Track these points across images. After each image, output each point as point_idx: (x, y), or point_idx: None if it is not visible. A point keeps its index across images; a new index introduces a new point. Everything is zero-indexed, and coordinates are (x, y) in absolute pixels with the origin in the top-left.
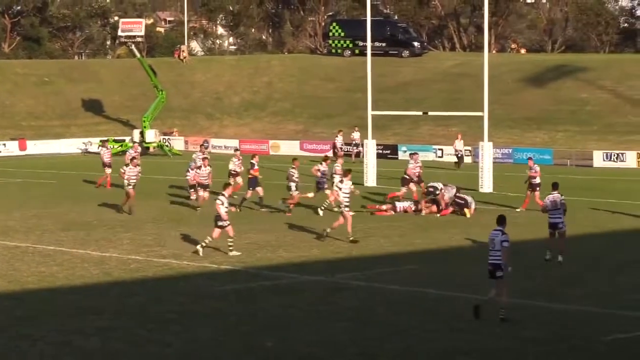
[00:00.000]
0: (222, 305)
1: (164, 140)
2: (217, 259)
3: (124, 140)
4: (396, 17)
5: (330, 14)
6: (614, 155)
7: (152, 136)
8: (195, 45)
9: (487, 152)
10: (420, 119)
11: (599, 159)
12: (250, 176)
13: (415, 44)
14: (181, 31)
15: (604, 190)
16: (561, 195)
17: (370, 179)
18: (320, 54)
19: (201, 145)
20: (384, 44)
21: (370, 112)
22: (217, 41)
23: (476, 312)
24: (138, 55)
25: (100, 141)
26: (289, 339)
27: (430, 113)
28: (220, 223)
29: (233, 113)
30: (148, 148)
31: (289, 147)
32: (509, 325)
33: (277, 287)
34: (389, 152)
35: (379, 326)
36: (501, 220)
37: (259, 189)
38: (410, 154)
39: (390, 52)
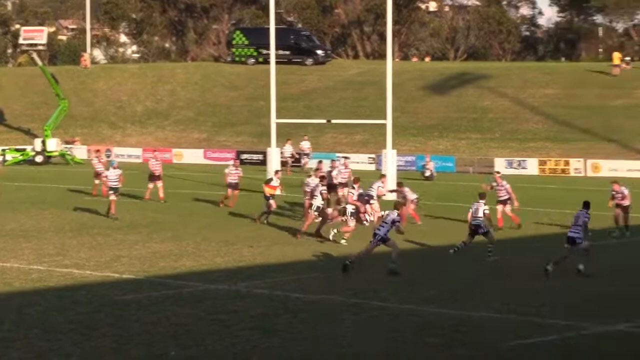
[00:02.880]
0: (124, 314)
1: (66, 149)
2: (119, 269)
3: (25, 150)
4: (300, 26)
5: (234, 22)
6: (515, 162)
7: (54, 145)
8: (98, 53)
9: (391, 159)
10: (324, 127)
11: (500, 166)
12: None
13: (319, 52)
14: (84, 39)
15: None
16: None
17: None
18: (224, 62)
19: (96, 151)
20: (287, 52)
21: (274, 120)
22: (120, 49)
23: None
24: (40, 63)
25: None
26: (192, 348)
27: (334, 121)
28: None
29: (136, 122)
30: (50, 157)
31: (192, 156)
32: (410, 331)
33: (180, 296)
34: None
35: (283, 334)
36: (587, 204)
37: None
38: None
39: (294, 60)
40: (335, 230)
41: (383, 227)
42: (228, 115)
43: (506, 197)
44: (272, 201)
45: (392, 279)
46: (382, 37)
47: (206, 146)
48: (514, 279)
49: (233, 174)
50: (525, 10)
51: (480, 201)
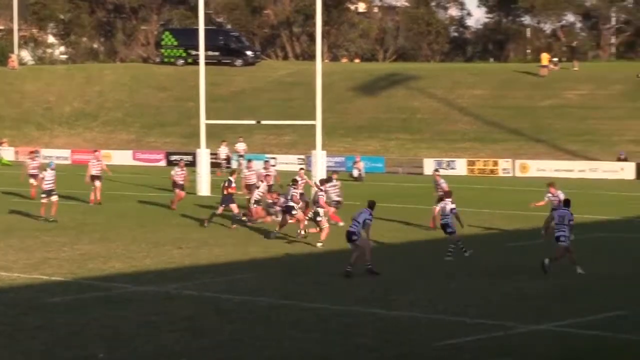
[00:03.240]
0: (52, 317)
1: None
2: (48, 271)
3: None
4: (229, 26)
5: (163, 22)
6: (445, 162)
7: None
8: (26, 54)
9: (320, 160)
10: (254, 127)
11: (429, 167)
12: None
13: (249, 52)
14: (11, 40)
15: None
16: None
17: (204, 189)
18: (152, 63)
19: (30, 152)
20: (217, 53)
21: (203, 121)
22: (48, 50)
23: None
24: None
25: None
26: (121, 350)
27: (263, 122)
28: None
29: (64, 123)
30: None
31: (121, 157)
32: (340, 332)
33: (109, 297)
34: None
35: (212, 335)
36: (567, 202)
37: (233, 206)
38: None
39: (224, 61)
40: (303, 232)
41: (356, 225)
42: (157, 116)
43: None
44: (233, 205)
45: (322, 281)
46: (312, 37)
47: (135, 147)
48: (445, 279)
49: (179, 174)
50: (453, 12)
51: (447, 200)
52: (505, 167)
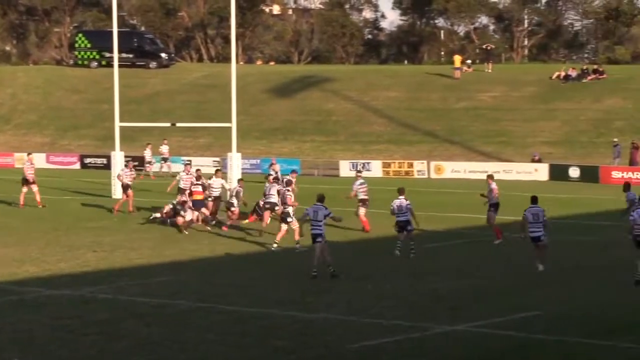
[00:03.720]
0: None
1: None
2: None
3: None
4: (143, 29)
5: (76, 25)
6: (360, 164)
7: None
8: None
9: (236, 163)
10: (169, 130)
11: (345, 169)
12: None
13: (163, 55)
14: None
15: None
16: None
17: (118, 191)
18: (66, 65)
19: None
20: (131, 56)
21: (117, 124)
22: None
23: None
24: None
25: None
26: (35, 355)
27: (178, 124)
28: None
29: None
30: None
31: (35, 160)
32: (257, 334)
33: (23, 302)
34: (137, 163)
35: (128, 339)
36: (535, 199)
37: (204, 210)
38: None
39: (138, 63)
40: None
41: (320, 226)
42: (71, 118)
43: (365, 197)
44: (204, 209)
45: (241, 283)
46: (226, 40)
47: (49, 150)
48: (362, 281)
49: (128, 175)
50: (368, 14)
51: (401, 197)
52: (420, 168)
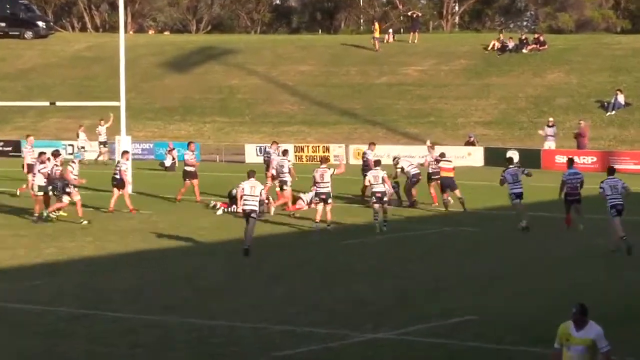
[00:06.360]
0: None
1: None
2: None
3: None
4: None
5: None
6: (268, 148)
7: None
8: None
9: (126, 147)
10: (47, 110)
11: (251, 154)
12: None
13: (40, 23)
14: None
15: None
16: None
17: None
18: None
19: None
20: (3, 24)
21: None
22: None
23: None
24: None
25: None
26: None
27: (58, 103)
28: None
29: None
30: None
31: None
32: (149, 345)
33: None
34: (10, 148)
35: (2, 352)
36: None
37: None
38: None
39: (11, 33)
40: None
41: (255, 202)
42: None
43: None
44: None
45: (128, 287)
46: (113, 6)
47: None
48: (270, 283)
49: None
50: None
51: (377, 168)
52: (337, 153)
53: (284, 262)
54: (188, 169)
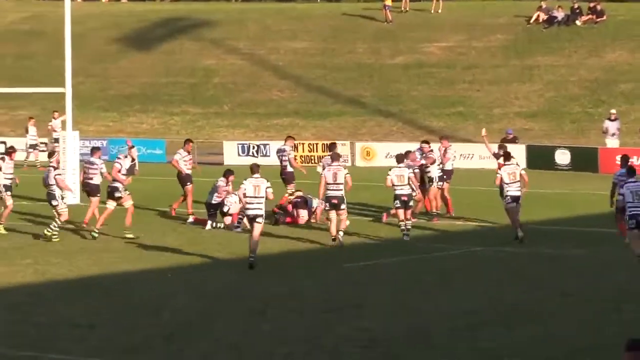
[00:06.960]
0: None
1: None
2: None
3: None
4: None
5: None
6: (253, 147)
7: None
8: None
9: (72, 146)
10: None
11: (232, 154)
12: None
13: None
14: None
15: None
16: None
17: None
18: None
19: None
20: None
21: None
22: None
23: None
24: None
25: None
26: None
27: None
28: None
29: None
30: None
31: None
32: None
33: None
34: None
35: None
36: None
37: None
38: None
39: None
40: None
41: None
42: None
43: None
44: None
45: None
46: None
47: None
48: (255, 312)
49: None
50: None
51: (400, 165)
52: (340, 152)
53: (273, 289)
54: (188, 172)
